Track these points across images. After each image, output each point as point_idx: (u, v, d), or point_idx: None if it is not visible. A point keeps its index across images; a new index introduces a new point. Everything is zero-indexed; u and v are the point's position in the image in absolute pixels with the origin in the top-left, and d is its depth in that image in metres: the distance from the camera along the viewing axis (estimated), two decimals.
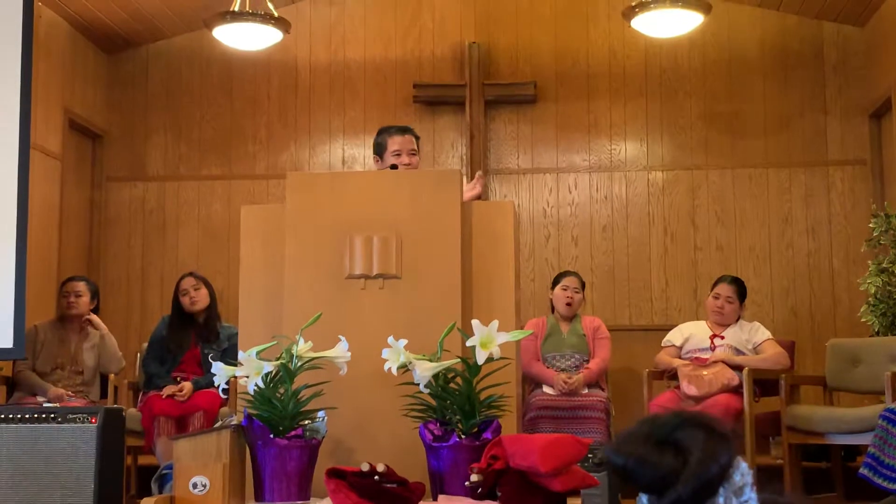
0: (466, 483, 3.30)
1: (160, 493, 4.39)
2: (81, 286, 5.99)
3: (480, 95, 7.37)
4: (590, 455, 4.89)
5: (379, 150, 4.86)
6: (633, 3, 6.25)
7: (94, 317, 6.05)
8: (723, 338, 5.69)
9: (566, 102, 7.47)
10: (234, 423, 3.61)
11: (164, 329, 5.93)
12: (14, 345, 5.26)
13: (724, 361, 5.51)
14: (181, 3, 7.15)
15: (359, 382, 3.66)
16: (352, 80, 7.61)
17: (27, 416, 4.25)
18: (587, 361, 5.86)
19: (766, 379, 5.56)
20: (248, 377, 3.50)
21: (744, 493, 1.57)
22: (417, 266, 3.86)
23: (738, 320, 5.78)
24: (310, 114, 7.62)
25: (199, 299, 5.88)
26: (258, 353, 3.55)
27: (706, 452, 1.54)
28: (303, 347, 3.53)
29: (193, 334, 5.88)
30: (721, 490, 1.55)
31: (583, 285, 6.08)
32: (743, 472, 1.59)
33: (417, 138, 4.92)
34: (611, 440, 5.50)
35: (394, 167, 4.67)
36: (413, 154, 4.80)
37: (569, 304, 5.94)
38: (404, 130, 4.88)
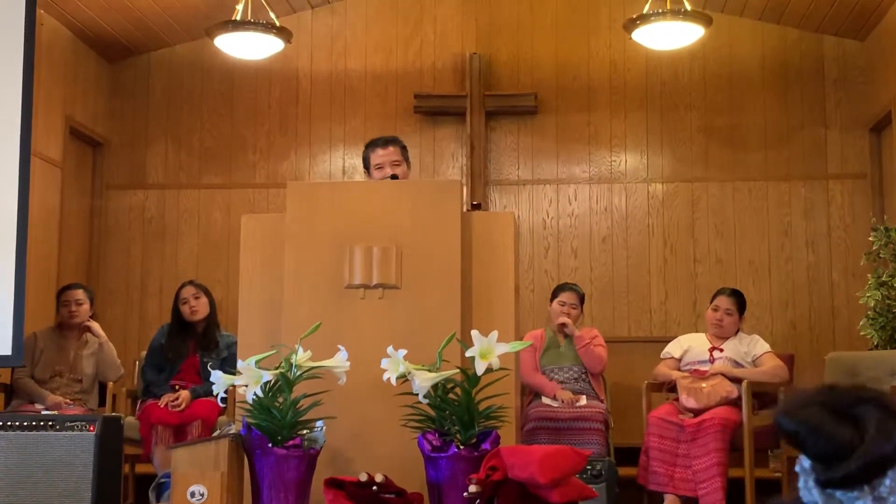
0: (465, 494, 3.30)
1: (158, 501, 4.39)
2: (81, 294, 5.98)
3: (481, 106, 7.38)
4: (588, 467, 4.89)
5: (365, 165, 4.90)
6: (634, 16, 6.27)
7: (93, 324, 6.04)
8: (722, 350, 5.68)
9: (567, 114, 7.48)
10: (232, 432, 3.61)
11: (162, 337, 5.92)
12: (13, 352, 5.25)
13: (723, 374, 5.50)
14: (183, 12, 7.17)
15: (358, 392, 3.66)
16: (353, 89, 7.62)
17: (25, 423, 4.25)
18: (585, 374, 5.84)
19: (765, 392, 5.56)
20: (246, 386, 3.50)
21: None
22: (417, 276, 3.86)
23: (737, 333, 5.78)
24: (310, 123, 7.63)
25: (199, 308, 5.87)
26: (257, 362, 3.55)
27: (883, 431, 1.53)
28: (302, 357, 3.53)
29: (192, 343, 5.87)
30: (889, 472, 1.54)
31: (582, 299, 6.04)
32: None
33: (404, 148, 4.89)
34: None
35: (394, 177, 4.68)
36: (397, 164, 4.78)
37: (563, 324, 5.88)
38: (387, 142, 4.87)
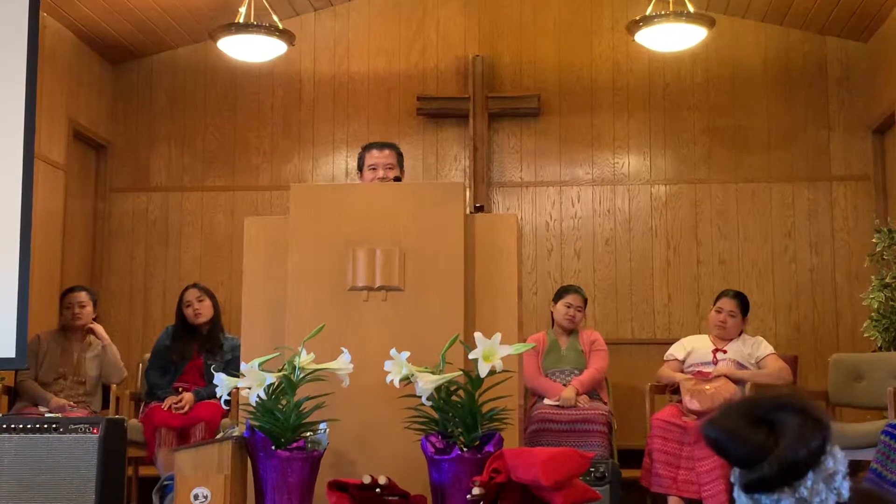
0: (468, 496, 3.30)
1: None
2: (84, 296, 5.99)
3: (484, 108, 7.38)
4: (591, 469, 4.89)
5: (359, 166, 4.92)
6: (637, 18, 6.27)
7: (96, 326, 6.04)
8: (725, 352, 5.68)
9: (569, 116, 7.48)
10: (235, 434, 3.61)
11: (166, 340, 5.93)
12: (16, 354, 5.25)
13: (726, 376, 5.50)
14: (186, 15, 7.17)
15: (361, 394, 3.66)
16: (355, 92, 7.62)
17: (29, 426, 4.25)
18: None
19: None
20: (250, 388, 3.50)
21: (835, 481, 1.59)
22: (420, 278, 3.86)
23: (740, 335, 5.77)
24: (313, 126, 7.64)
25: (203, 311, 5.88)
26: (260, 364, 3.55)
27: (797, 435, 1.57)
28: (305, 359, 3.54)
29: (196, 345, 5.87)
30: (810, 474, 1.57)
31: (585, 302, 6.04)
32: (837, 459, 1.60)
33: (400, 155, 4.91)
34: (611, 452, 5.48)
35: (397, 179, 4.68)
36: (390, 168, 4.79)
37: (570, 320, 5.92)
38: (383, 146, 4.89)
